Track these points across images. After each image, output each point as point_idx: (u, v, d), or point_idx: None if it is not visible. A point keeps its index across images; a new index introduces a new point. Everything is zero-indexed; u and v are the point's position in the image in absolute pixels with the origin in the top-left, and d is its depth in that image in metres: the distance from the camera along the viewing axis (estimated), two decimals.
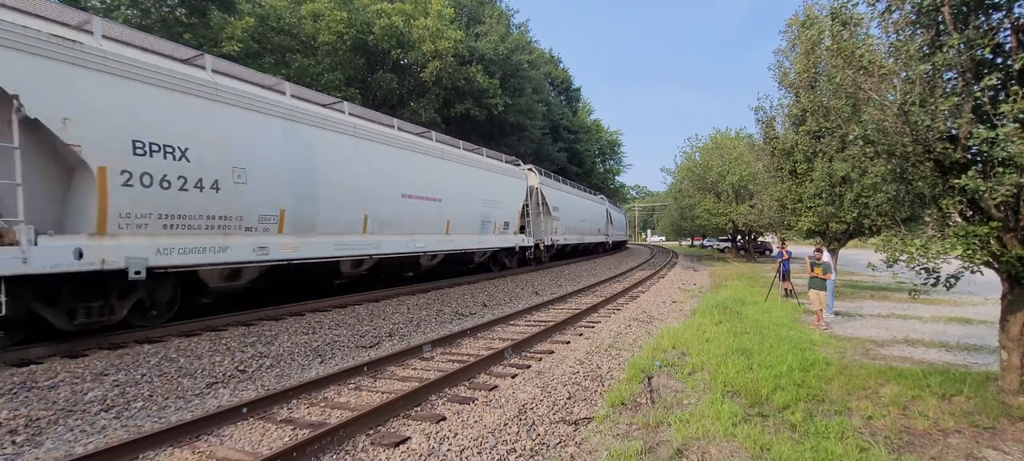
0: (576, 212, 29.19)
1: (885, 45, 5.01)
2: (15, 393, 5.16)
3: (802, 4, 12.96)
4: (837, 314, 10.68)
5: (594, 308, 11.13)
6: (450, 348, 7.79)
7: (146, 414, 5.05)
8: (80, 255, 6.66)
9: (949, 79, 4.61)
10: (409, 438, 4.27)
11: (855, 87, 5.15)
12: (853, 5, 5.49)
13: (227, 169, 8.47)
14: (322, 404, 5.23)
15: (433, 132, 15.76)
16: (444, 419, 4.70)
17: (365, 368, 6.38)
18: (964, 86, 4.40)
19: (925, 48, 4.59)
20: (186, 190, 7.88)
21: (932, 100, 4.43)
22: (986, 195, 4.25)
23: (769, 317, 9.96)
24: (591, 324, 9.60)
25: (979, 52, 4.26)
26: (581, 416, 4.76)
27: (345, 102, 12.27)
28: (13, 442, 4.29)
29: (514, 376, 6.09)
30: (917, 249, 4.78)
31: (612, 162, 70.67)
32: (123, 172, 7.10)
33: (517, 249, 19.81)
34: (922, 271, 4.84)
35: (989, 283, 6.75)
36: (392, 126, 13.57)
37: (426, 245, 13.97)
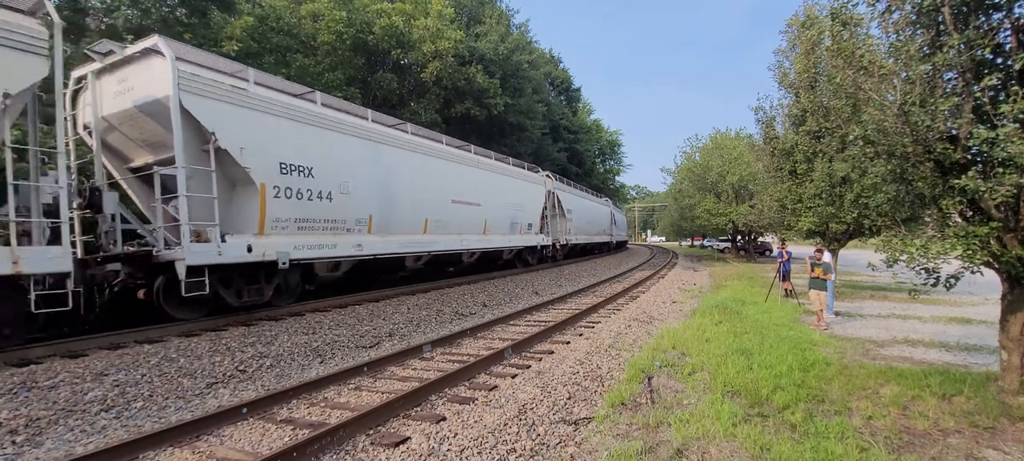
0: (586, 214, 31.34)
1: (885, 45, 5.01)
2: (15, 393, 5.16)
3: (802, 4, 12.97)
4: (837, 314, 10.68)
5: (594, 308, 11.13)
6: (450, 348, 7.79)
7: (146, 414, 5.05)
8: (249, 249, 8.88)
9: (949, 79, 4.61)
10: (409, 438, 4.27)
11: (855, 87, 5.15)
12: (853, 5, 5.50)
13: (337, 183, 10.67)
14: (322, 404, 5.23)
15: (471, 145, 17.93)
16: (444, 419, 4.70)
17: (365, 368, 6.38)
18: (964, 86, 4.40)
19: (925, 48, 4.58)
20: (311, 200, 10.07)
21: (932, 100, 4.43)
22: (986, 195, 4.25)
23: (769, 317, 9.95)
24: (591, 324, 9.60)
25: (979, 52, 4.26)
26: (581, 416, 4.76)
27: (408, 123, 14.69)
28: (13, 442, 4.29)
29: (514, 376, 6.09)
30: (917, 249, 4.78)
31: (612, 162, 70.63)
32: (274, 187, 9.29)
33: (539, 247, 22.27)
34: (922, 271, 4.84)
35: (989, 283, 6.75)
36: (440, 141, 15.74)
37: (469, 244, 16.26)
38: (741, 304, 11.50)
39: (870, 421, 4.54)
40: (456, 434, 4.32)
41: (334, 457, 3.98)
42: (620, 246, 48.88)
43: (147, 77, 8.30)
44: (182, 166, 7.90)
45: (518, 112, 33.98)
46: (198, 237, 8.27)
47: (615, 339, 7.99)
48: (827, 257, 10.85)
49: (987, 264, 4.72)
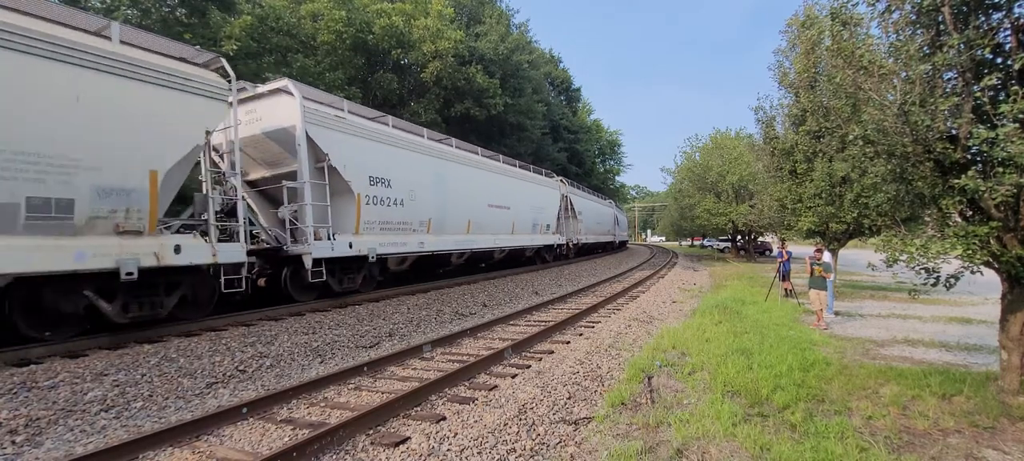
0: (594, 215, 34.18)
1: (885, 45, 5.01)
2: (15, 393, 5.16)
3: (802, 4, 12.97)
4: (837, 314, 10.68)
5: (594, 308, 11.13)
6: (450, 348, 7.79)
7: (146, 414, 5.05)
8: (350, 246, 11.26)
9: (949, 79, 4.60)
10: (409, 438, 4.27)
11: (855, 87, 5.15)
12: (853, 5, 5.49)
13: (407, 192, 13.16)
14: (322, 404, 5.23)
15: (499, 155, 20.53)
16: (444, 419, 4.69)
17: (365, 368, 6.38)
18: (964, 86, 4.40)
19: (925, 48, 4.58)
20: (389, 206, 12.53)
21: (932, 100, 4.43)
22: (986, 195, 4.25)
23: (769, 317, 9.95)
24: (591, 324, 9.60)
25: (979, 52, 4.26)
26: (581, 416, 4.76)
27: (452, 138, 17.15)
28: (13, 442, 4.29)
29: (514, 376, 6.09)
30: (917, 249, 4.78)
31: (612, 162, 70.65)
32: (366, 196, 11.69)
33: (555, 246, 25.15)
34: (922, 271, 4.84)
35: (989, 283, 6.75)
36: (476, 152, 18.21)
37: (500, 243, 18.83)
38: (741, 304, 11.50)
39: (870, 421, 4.54)
40: (456, 434, 4.32)
41: (334, 457, 3.98)
42: (622, 245, 50.51)
43: (276, 110, 10.62)
44: (305, 181, 10.32)
45: (518, 112, 33.98)
46: (315, 236, 10.51)
47: (615, 339, 7.99)
48: (827, 257, 10.85)
49: (987, 264, 4.72)
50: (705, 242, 56.94)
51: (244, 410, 4.88)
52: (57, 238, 6.58)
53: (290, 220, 10.39)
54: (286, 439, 4.36)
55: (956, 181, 4.36)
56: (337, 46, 23.49)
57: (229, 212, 9.23)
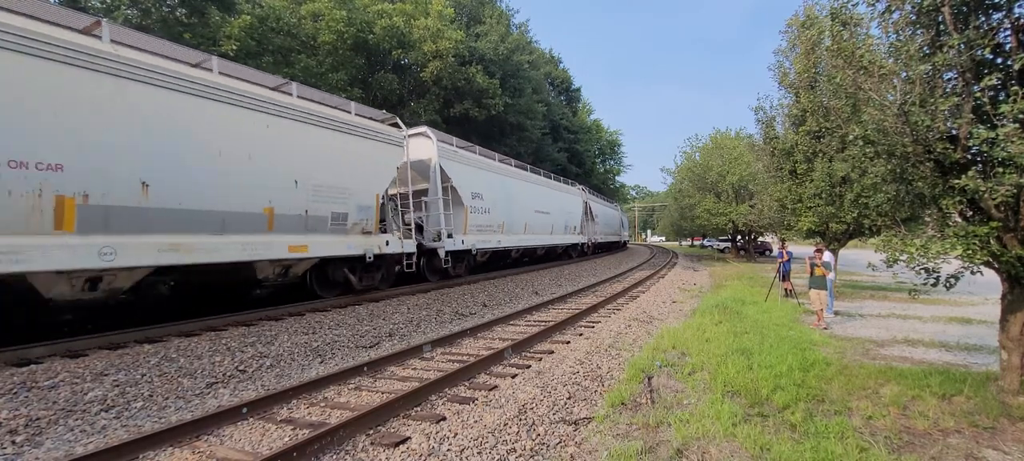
0: (606, 218, 39.23)
1: (885, 45, 5.01)
2: (15, 393, 5.16)
3: (802, 4, 12.97)
4: (837, 314, 10.68)
5: (594, 308, 11.13)
6: (450, 348, 7.79)
7: (146, 414, 5.05)
8: (462, 243, 15.66)
9: (949, 79, 4.61)
10: (409, 438, 4.27)
11: (855, 87, 5.15)
12: (853, 5, 5.50)
13: (491, 202, 17.73)
14: (322, 404, 5.23)
15: (540, 169, 25.87)
16: (444, 419, 4.69)
17: (365, 368, 6.38)
18: (964, 86, 4.40)
19: (925, 48, 4.58)
20: (482, 213, 16.97)
21: (932, 100, 4.43)
22: (986, 195, 4.25)
23: (769, 317, 9.95)
24: (591, 324, 9.60)
25: (979, 52, 4.26)
26: (581, 416, 4.76)
27: (512, 159, 22.54)
28: (13, 442, 4.29)
29: (514, 376, 6.09)
30: (917, 249, 4.78)
31: (612, 162, 70.64)
32: (470, 207, 16.04)
33: (580, 244, 30.17)
34: (922, 271, 4.84)
35: (989, 283, 6.76)
36: (525, 168, 23.25)
37: (544, 241, 23.70)
38: (741, 304, 11.50)
39: (870, 421, 4.54)
40: (456, 434, 4.32)
41: (334, 457, 3.98)
42: (623, 245, 53.53)
43: (418, 147, 14.89)
44: (438, 197, 14.77)
45: (518, 112, 33.98)
46: (438, 237, 14.84)
47: (615, 339, 7.99)
48: (828, 256, 10.85)
49: (987, 264, 4.72)
50: (705, 242, 56.93)
51: (244, 410, 4.88)
52: (341, 236, 11.04)
53: (417, 223, 14.56)
54: (286, 439, 4.36)
55: (956, 181, 4.36)
56: (338, 46, 23.49)
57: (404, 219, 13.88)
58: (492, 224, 17.80)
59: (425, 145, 14.88)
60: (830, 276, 10.40)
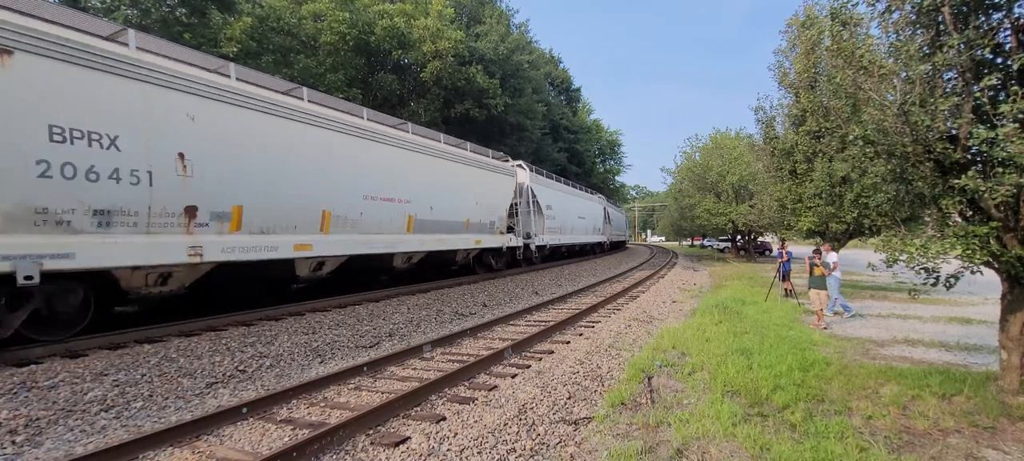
0: (616, 221, 46.00)
1: (885, 45, 5.01)
2: (15, 393, 5.16)
3: (802, 4, 12.97)
4: (836, 313, 10.65)
5: (594, 308, 11.13)
6: (450, 348, 7.79)
7: (146, 414, 5.05)
8: (543, 240, 22.39)
9: (949, 79, 4.60)
10: (409, 438, 4.27)
11: (855, 87, 5.15)
12: (853, 5, 5.49)
13: (558, 211, 24.62)
14: (322, 404, 5.23)
15: (576, 183, 34.13)
16: (444, 419, 4.69)
17: (365, 368, 6.38)
18: (964, 86, 4.40)
19: (925, 48, 4.58)
20: (552, 219, 23.60)
21: (932, 100, 4.43)
22: (986, 195, 4.25)
23: (769, 317, 9.95)
24: (591, 324, 9.60)
25: (979, 52, 4.26)
26: (581, 416, 4.76)
27: (561, 176, 30.51)
28: (13, 442, 4.29)
29: (514, 376, 6.09)
30: (917, 249, 4.77)
31: (612, 162, 70.62)
32: (546, 214, 22.76)
33: (602, 243, 37.32)
34: (922, 271, 4.84)
35: (989, 283, 6.75)
36: (569, 183, 30.43)
37: (582, 239, 30.98)
38: (741, 304, 11.50)
39: (870, 421, 4.54)
40: (456, 434, 4.32)
41: (334, 457, 3.98)
42: (618, 246, 47.55)
43: (519, 175, 20.80)
44: (529, 209, 21.01)
45: (518, 112, 33.97)
46: (529, 235, 20.83)
47: (615, 339, 7.99)
48: (834, 256, 10.82)
49: (987, 264, 4.72)
50: (705, 242, 56.91)
51: (244, 410, 4.88)
52: (493, 235, 17.55)
53: (510, 225, 19.77)
54: (286, 439, 4.36)
55: (956, 181, 4.36)
56: (339, 47, 23.50)
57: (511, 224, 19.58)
58: (557, 227, 24.60)
59: (521, 173, 21.51)
60: (837, 274, 10.43)
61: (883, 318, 10.27)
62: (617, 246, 47.39)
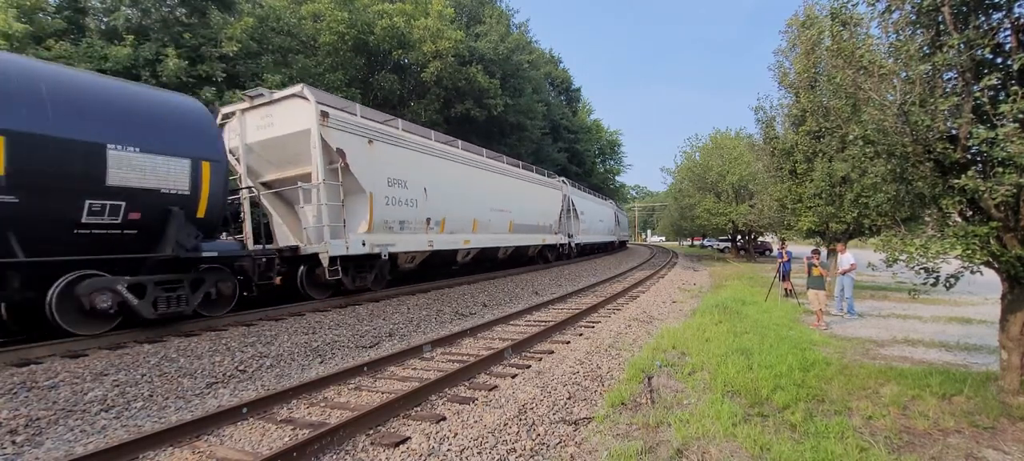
0: (622, 222, 51.41)
1: (885, 45, 5.00)
2: (15, 393, 5.16)
3: (802, 4, 12.97)
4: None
5: (594, 308, 11.13)
6: (450, 348, 7.79)
7: (146, 414, 5.05)
8: (579, 240, 29.52)
9: (949, 79, 4.60)
10: (409, 438, 4.27)
11: (855, 87, 5.15)
12: (853, 5, 5.49)
13: (587, 216, 30.88)
14: (322, 404, 5.23)
15: (592, 190, 40.86)
16: (444, 419, 4.70)
17: (365, 368, 6.38)
18: (964, 86, 4.39)
19: (925, 48, 4.58)
20: (584, 222, 30.08)
21: (932, 100, 4.43)
22: (986, 195, 4.24)
23: (769, 317, 9.95)
24: (591, 324, 9.60)
25: (979, 52, 4.25)
26: (581, 416, 4.76)
27: (585, 186, 37.62)
28: (13, 442, 4.29)
29: (514, 376, 6.09)
30: (917, 249, 4.77)
31: (612, 162, 70.58)
32: (581, 218, 29.64)
33: (613, 242, 42.70)
34: (922, 271, 4.84)
35: (989, 283, 6.75)
36: (591, 192, 36.67)
37: (602, 239, 36.76)
38: (741, 304, 11.50)
39: (870, 421, 4.54)
40: (456, 434, 4.32)
41: (334, 457, 3.98)
42: (622, 245, 52.24)
43: (553, 185, 25.62)
44: (569, 213, 27.58)
45: (518, 112, 33.95)
46: (569, 235, 27.61)
47: (615, 339, 7.99)
48: (850, 257, 10.77)
49: (987, 264, 4.72)
50: (705, 242, 56.92)
51: (244, 410, 4.88)
52: (550, 235, 23.59)
53: (554, 226, 24.30)
54: (286, 439, 4.36)
55: (956, 181, 4.35)
56: (339, 47, 23.48)
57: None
58: (586, 229, 30.25)
59: (564, 186, 26.88)
60: (852, 275, 10.45)
61: (883, 318, 10.27)
62: (621, 245, 52.54)
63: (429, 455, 3.95)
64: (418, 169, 13.46)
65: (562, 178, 29.18)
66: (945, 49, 4.29)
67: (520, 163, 22.41)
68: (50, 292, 6.77)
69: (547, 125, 42.85)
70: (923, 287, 5.04)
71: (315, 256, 10.47)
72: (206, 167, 8.29)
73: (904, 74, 4.68)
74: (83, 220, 6.95)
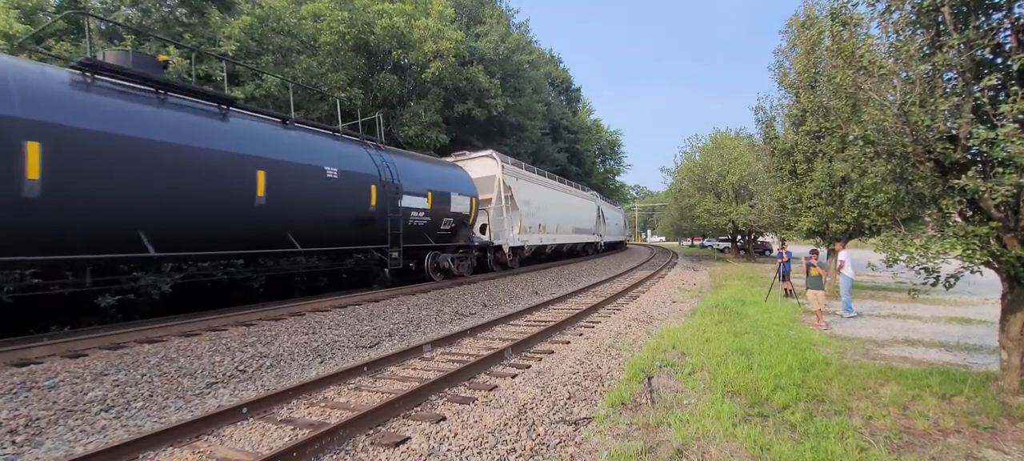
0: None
1: (885, 45, 5.00)
2: (15, 393, 5.16)
3: (802, 4, 12.97)
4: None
5: (594, 308, 11.13)
6: (450, 348, 7.79)
7: (146, 414, 5.05)
8: (606, 240, 39.12)
9: (949, 79, 4.60)
10: (409, 438, 4.27)
11: (855, 87, 5.15)
12: (853, 5, 5.49)
13: (610, 220, 41.14)
14: (322, 404, 5.23)
15: (608, 197, 51.64)
16: (444, 419, 4.69)
17: (365, 368, 6.38)
18: (964, 86, 4.40)
19: (925, 48, 4.58)
20: (607, 225, 38.87)
21: (932, 100, 4.43)
22: (986, 195, 4.24)
23: (769, 317, 9.95)
24: (591, 324, 9.60)
25: (979, 52, 4.26)
26: (581, 416, 4.76)
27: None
28: (13, 442, 4.29)
29: (514, 376, 6.09)
30: (917, 249, 4.77)
31: (612, 162, 70.53)
32: (607, 222, 39.90)
33: (622, 241, 49.70)
34: (922, 271, 4.84)
35: (989, 283, 6.75)
36: (608, 200, 47.20)
37: (616, 238, 45.60)
38: (741, 304, 11.50)
39: (870, 421, 4.54)
40: (456, 434, 4.32)
41: (334, 457, 3.98)
42: (615, 247, 46.35)
43: (586, 195, 34.69)
44: (602, 219, 36.85)
45: (518, 112, 33.92)
46: (601, 235, 36.56)
47: (615, 339, 7.99)
48: (843, 254, 10.79)
49: (987, 264, 4.72)
50: (705, 242, 56.93)
51: (244, 410, 4.88)
52: (591, 236, 32.93)
53: (592, 229, 32.48)
54: (286, 439, 4.36)
55: (956, 181, 4.35)
56: (339, 47, 23.45)
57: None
58: (609, 230, 37.94)
59: (597, 198, 35.14)
60: (847, 274, 10.45)
61: (883, 318, 10.27)
62: (614, 247, 50.12)
63: (429, 455, 3.95)
64: (536, 195, 22.00)
65: (594, 191, 39.42)
66: (945, 49, 4.29)
67: (576, 184, 33.22)
68: (426, 259, 14.76)
69: (547, 125, 42.81)
70: (923, 287, 5.04)
71: (499, 246, 18.95)
72: (474, 200, 16.64)
73: (904, 74, 4.69)
74: (440, 228, 15.19)
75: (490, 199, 18.27)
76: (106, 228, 7.51)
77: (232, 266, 9.91)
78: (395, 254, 12.64)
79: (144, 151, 7.75)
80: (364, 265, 12.76)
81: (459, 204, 15.61)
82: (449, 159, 19.00)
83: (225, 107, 9.48)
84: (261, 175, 9.34)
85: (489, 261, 18.44)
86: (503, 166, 18.86)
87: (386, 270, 12.79)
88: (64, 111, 6.99)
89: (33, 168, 6.53)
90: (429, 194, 14.29)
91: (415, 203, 13.65)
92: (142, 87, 8.30)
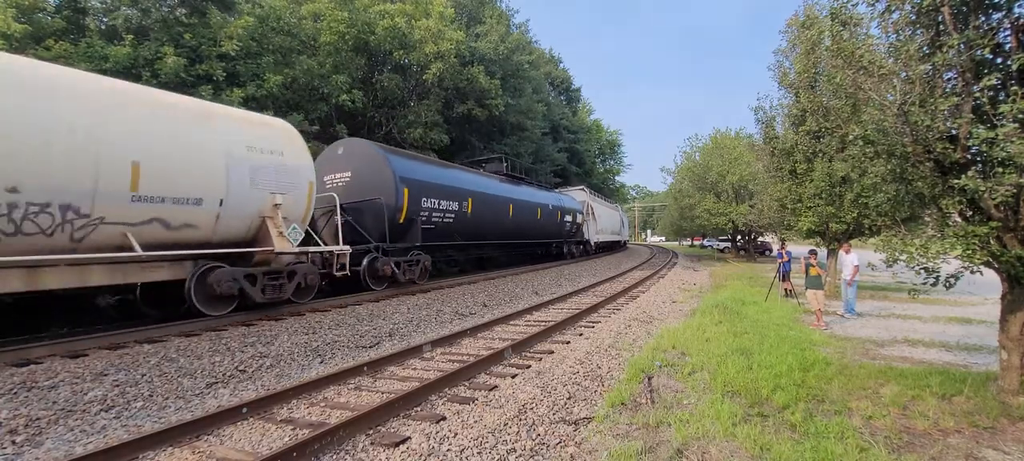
0: (605, 219, 67.38)
1: (885, 45, 5.01)
2: (15, 393, 5.17)
3: (802, 4, 12.97)
4: (859, 314, 10.60)
5: (594, 308, 11.13)
6: (450, 348, 7.79)
7: (146, 414, 5.05)
8: (596, 239, 36.82)
9: (949, 79, 4.60)
10: (409, 438, 4.27)
11: (855, 87, 5.15)
12: (853, 5, 5.49)
13: (606, 220, 39.79)
14: (322, 404, 5.23)
15: (608, 196, 55.58)
16: (444, 419, 4.70)
17: (365, 368, 6.38)
18: (964, 86, 4.40)
19: (925, 48, 4.58)
20: (599, 223, 36.71)
21: (932, 100, 4.43)
22: (986, 195, 4.25)
23: (769, 317, 9.95)
24: (591, 324, 9.60)
25: (979, 52, 4.26)
26: (581, 416, 4.76)
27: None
28: (13, 442, 4.29)
29: (514, 376, 6.09)
30: (917, 249, 4.78)
31: (612, 162, 70.56)
32: (595, 220, 36.39)
33: (621, 243, 51.36)
34: (922, 271, 4.84)
35: (989, 283, 6.75)
36: (618, 207, 54.74)
37: (611, 239, 42.58)
38: (741, 304, 11.50)
39: (870, 421, 4.54)
40: (456, 434, 4.32)
41: (334, 457, 3.98)
42: (624, 245, 56.67)
43: (575, 194, 33.69)
44: (589, 216, 32.98)
45: (518, 112, 33.93)
46: (589, 233, 35.12)
47: (615, 339, 7.99)
48: (854, 258, 10.75)
49: (987, 264, 4.72)
50: (705, 242, 56.96)
51: (244, 410, 4.88)
52: (618, 237, 46.44)
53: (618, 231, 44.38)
54: (286, 439, 4.36)
55: (956, 181, 4.36)
56: (339, 47, 23.44)
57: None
58: (602, 230, 36.99)
59: (579, 193, 33.49)
60: (855, 277, 10.46)
61: (883, 318, 10.27)
62: (624, 245, 58.35)
63: (429, 455, 3.95)
64: (596, 207, 33.41)
65: (618, 204, 52.03)
66: (945, 49, 4.30)
67: (611, 201, 44.40)
68: (564, 248, 29.18)
69: (547, 125, 42.83)
70: (923, 287, 5.04)
71: (587, 240, 31.05)
72: (578, 214, 29.20)
73: (904, 74, 4.69)
74: (569, 230, 29.01)
75: (577, 211, 29.87)
76: (486, 234, 18.38)
77: (495, 250, 21.05)
78: (565, 245, 28.40)
79: (499, 199, 19.23)
80: (553, 248, 27.31)
81: (576, 217, 28.74)
82: (559, 190, 31.67)
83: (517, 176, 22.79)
84: (510, 207, 20.03)
85: (576, 251, 30.82)
86: (590, 193, 34.96)
87: (564, 249, 28.24)
88: (480, 185, 18.19)
89: (469, 207, 16.60)
90: (573, 212, 28.02)
91: (568, 218, 27.24)
92: (497, 173, 21.19)
